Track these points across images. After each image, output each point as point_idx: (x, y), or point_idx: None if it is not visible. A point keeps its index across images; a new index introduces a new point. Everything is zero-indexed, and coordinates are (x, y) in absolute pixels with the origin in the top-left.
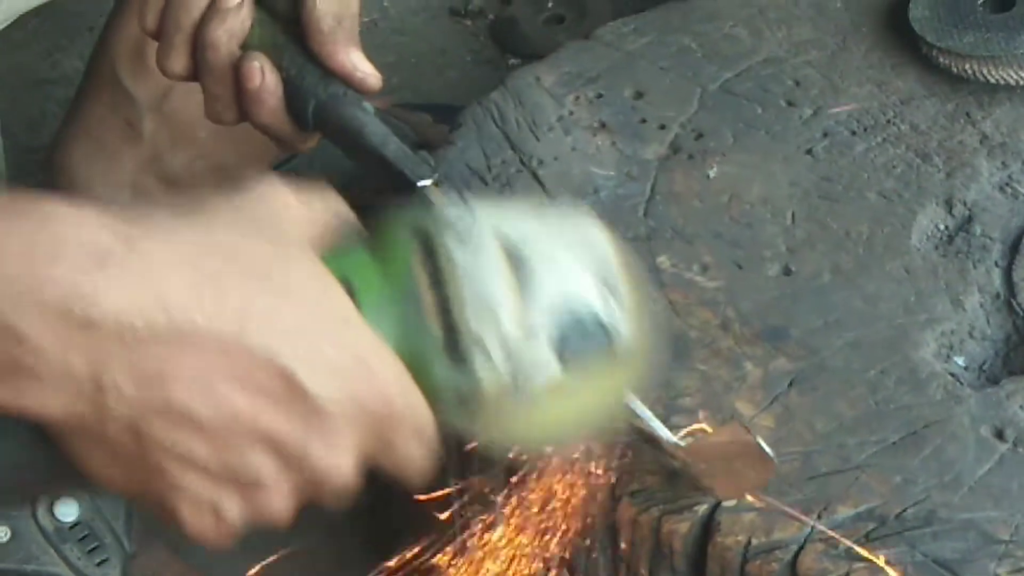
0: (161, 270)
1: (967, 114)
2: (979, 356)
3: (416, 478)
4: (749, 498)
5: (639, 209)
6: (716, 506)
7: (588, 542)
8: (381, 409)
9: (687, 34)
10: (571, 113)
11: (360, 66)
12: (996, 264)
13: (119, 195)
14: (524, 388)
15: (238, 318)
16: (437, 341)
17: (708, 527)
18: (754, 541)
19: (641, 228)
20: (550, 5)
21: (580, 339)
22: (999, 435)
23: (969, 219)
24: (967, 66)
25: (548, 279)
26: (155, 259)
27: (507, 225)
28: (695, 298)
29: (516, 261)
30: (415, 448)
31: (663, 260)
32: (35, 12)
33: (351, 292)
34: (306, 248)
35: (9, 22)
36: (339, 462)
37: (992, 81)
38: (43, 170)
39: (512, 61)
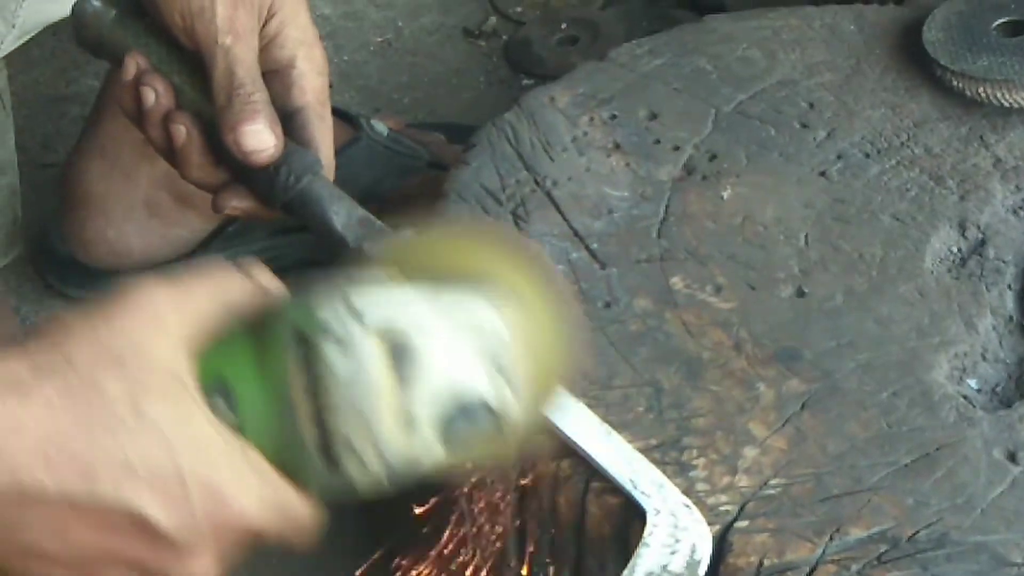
0: (10, 436)
1: (981, 137)
2: (992, 379)
3: (302, 548)
4: None
5: (653, 230)
6: (728, 527)
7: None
8: (239, 526)
9: (701, 56)
10: (585, 134)
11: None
12: (1009, 287)
13: (133, 212)
14: (404, 477)
15: (84, 474)
16: (311, 446)
17: (720, 548)
18: (766, 562)
19: (655, 249)
20: (564, 26)
21: (465, 422)
22: (1011, 458)
23: (982, 242)
24: (981, 89)
25: (434, 365)
26: (5, 424)
27: (395, 310)
28: (708, 319)
29: (401, 348)
30: (289, 534)
31: (676, 281)
32: (52, 31)
33: (227, 390)
34: (168, 369)
35: (26, 39)
36: (201, 571)
37: (1006, 104)
38: (58, 187)
39: (526, 82)
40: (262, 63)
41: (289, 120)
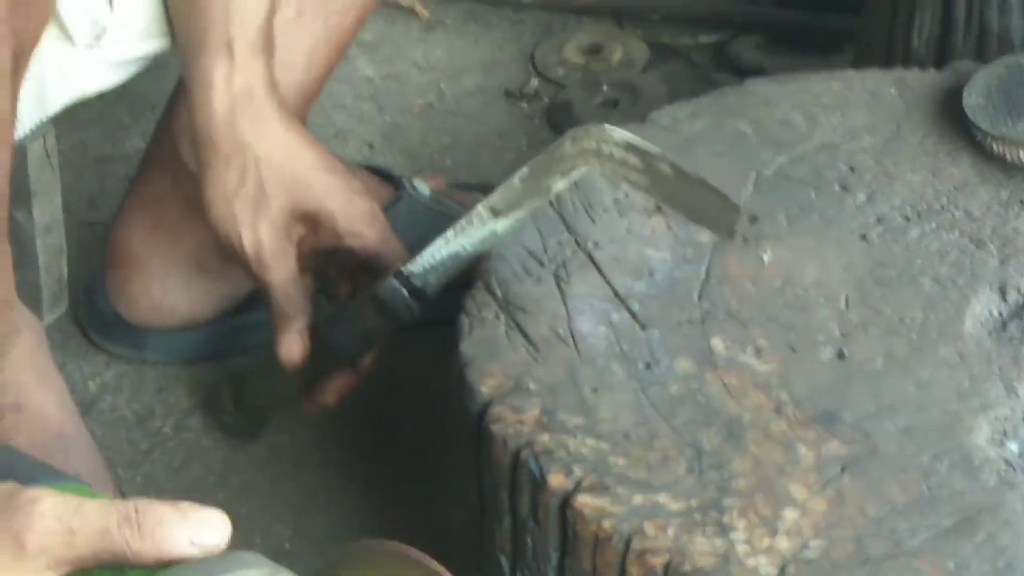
0: None
1: (1021, 201)
2: None
3: None
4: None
5: (694, 292)
6: None
7: None
8: None
9: (742, 119)
10: (627, 195)
11: None
12: None
13: (177, 269)
14: None
15: None
16: None
17: None
18: None
19: (695, 311)
20: (605, 89)
21: None
22: None
23: (1023, 306)
24: (1021, 154)
25: None
26: None
27: None
28: (749, 381)
29: None
30: None
31: (717, 343)
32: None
33: None
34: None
35: (74, 101)
36: None
37: None
38: (103, 246)
39: None
40: (323, 243)
41: (372, 266)
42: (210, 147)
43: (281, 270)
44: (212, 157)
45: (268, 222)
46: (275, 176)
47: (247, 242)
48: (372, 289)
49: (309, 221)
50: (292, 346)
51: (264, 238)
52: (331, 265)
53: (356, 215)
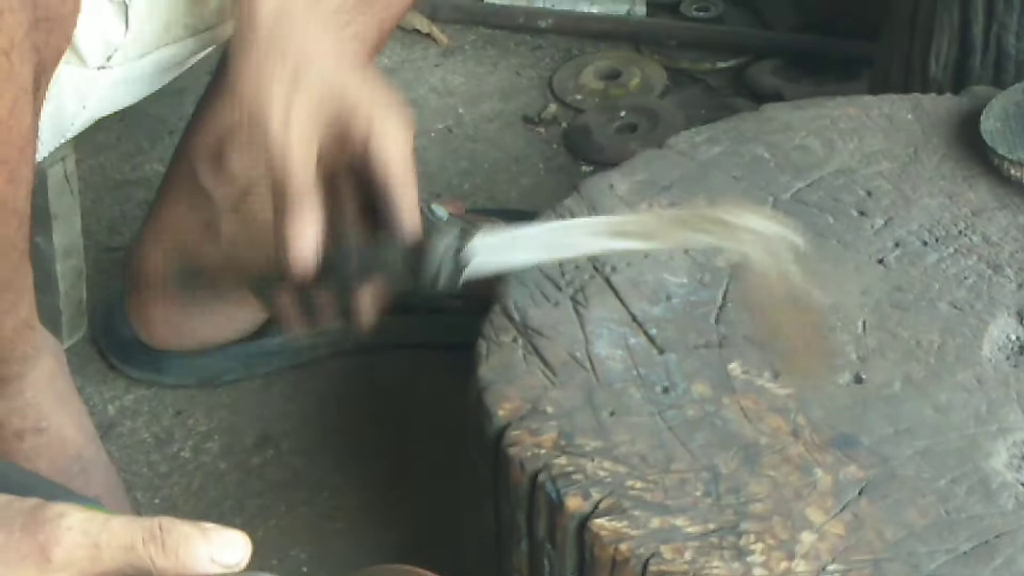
0: None
1: None
2: None
3: None
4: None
5: (711, 316)
6: None
7: None
8: None
9: (760, 144)
10: None
11: None
12: None
13: (197, 294)
14: None
15: None
16: None
17: None
18: None
19: (713, 335)
20: (623, 114)
21: None
22: None
23: None
24: None
25: None
26: None
27: None
28: (766, 405)
29: None
30: None
31: (734, 367)
32: (119, 116)
33: None
34: None
35: (91, 123)
36: None
37: None
38: (122, 270)
39: (585, 168)
40: (344, 157)
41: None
42: (250, 46)
43: (303, 155)
44: (251, 50)
45: (301, 104)
46: (315, 72)
47: (275, 118)
48: (424, 237)
49: (339, 127)
50: (307, 233)
51: (294, 118)
52: (343, 187)
53: (390, 134)
